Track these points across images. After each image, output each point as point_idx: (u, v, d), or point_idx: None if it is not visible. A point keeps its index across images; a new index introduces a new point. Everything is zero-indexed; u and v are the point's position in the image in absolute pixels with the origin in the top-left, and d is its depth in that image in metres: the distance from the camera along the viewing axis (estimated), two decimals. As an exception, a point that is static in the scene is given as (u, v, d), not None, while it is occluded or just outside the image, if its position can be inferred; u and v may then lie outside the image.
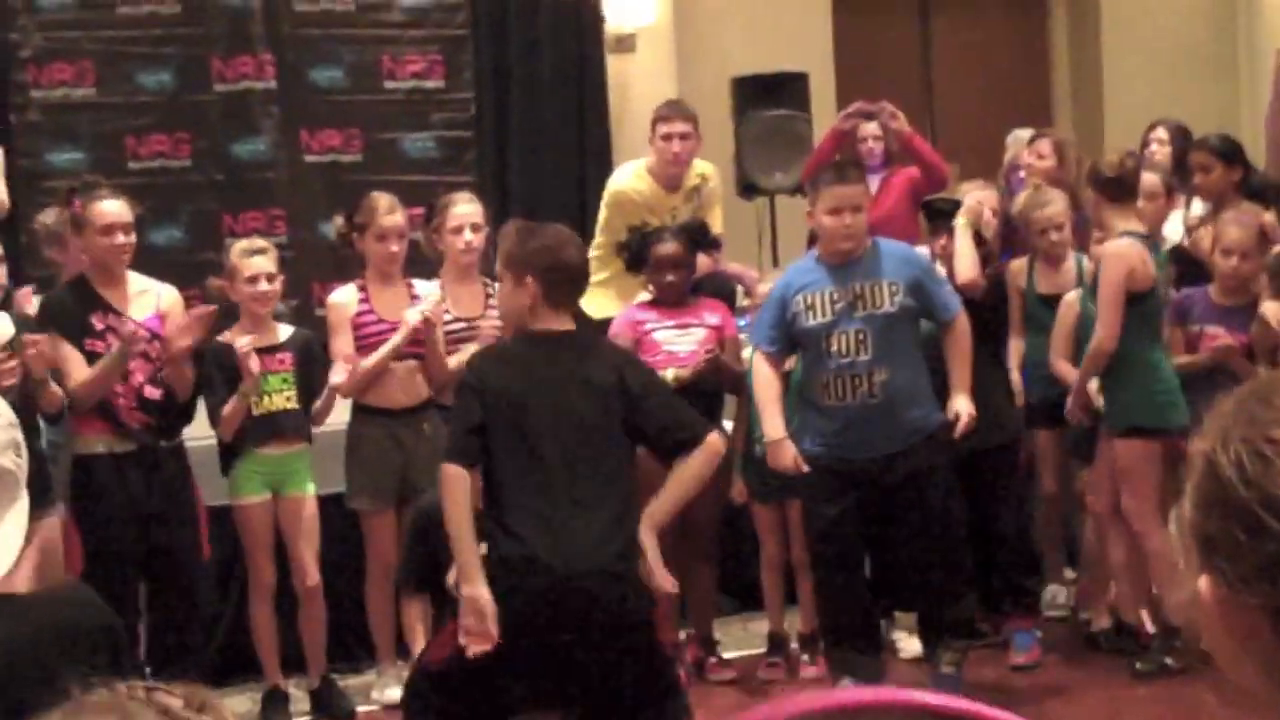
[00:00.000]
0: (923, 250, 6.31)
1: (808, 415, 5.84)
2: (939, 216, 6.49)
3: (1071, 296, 6.46)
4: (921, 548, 5.69)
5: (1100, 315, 6.08)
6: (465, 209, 6.43)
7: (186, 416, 6.10)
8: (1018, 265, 6.72)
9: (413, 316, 6.12)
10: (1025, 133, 8.33)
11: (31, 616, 2.30)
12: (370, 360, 6.14)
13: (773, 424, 5.77)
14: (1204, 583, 1.31)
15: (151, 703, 1.32)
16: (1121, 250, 6.06)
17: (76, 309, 5.86)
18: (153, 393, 5.89)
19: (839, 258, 5.77)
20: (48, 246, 6.69)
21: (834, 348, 5.70)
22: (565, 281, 4.67)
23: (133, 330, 5.63)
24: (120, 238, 5.87)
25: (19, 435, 2.32)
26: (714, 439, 4.69)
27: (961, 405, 5.77)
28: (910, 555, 5.71)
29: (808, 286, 5.78)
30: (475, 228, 6.41)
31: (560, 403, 4.54)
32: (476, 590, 4.42)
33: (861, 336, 5.68)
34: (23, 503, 2.31)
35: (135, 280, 6.01)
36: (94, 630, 2.33)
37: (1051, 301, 6.56)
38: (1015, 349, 6.61)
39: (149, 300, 5.98)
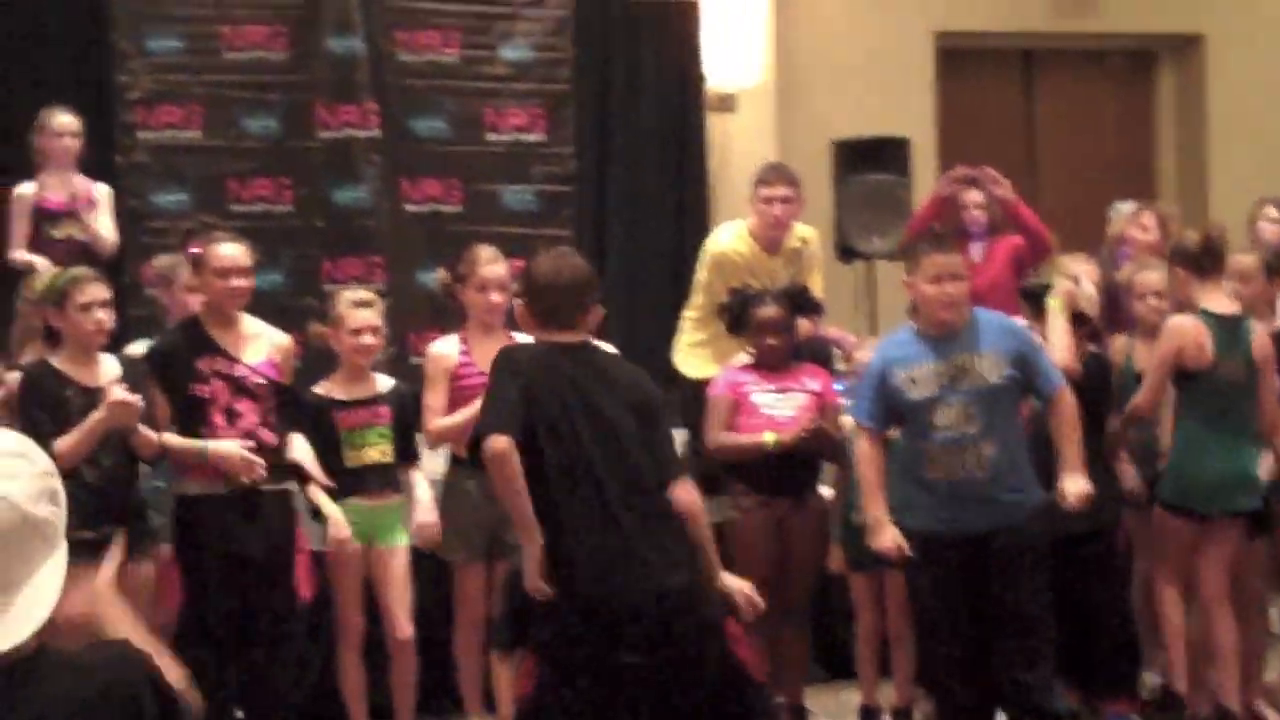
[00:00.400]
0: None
1: (908, 489, 5.65)
2: (1031, 299, 6.40)
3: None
4: (1009, 634, 5.51)
5: (1144, 383, 6.18)
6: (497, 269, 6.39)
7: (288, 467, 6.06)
8: (1120, 343, 6.62)
9: None
10: (1128, 206, 8.24)
11: (64, 678, 2.24)
12: (458, 416, 6.07)
13: (875, 505, 5.63)
14: None
15: None
16: (1179, 325, 6.11)
17: (185, 352, 5.85)
18: (266, 435, 5.86)
19: (939, 329, 5.59)
20: (156, 288, 6.73)
21: (939, 420, 5.55)
22: (554, 302, 4.65)
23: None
24: (236, 281, 5.88)
25: (58, 484, 2.30)
26: (688, 488, 4.62)
27: (1070, 485, 5.59)
28: (998, 643, 5.54)
29: (908, 360, 5.62)
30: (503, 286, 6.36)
31: (592, 403, 4.51)
32: (535, 547, 4.42)
33: (970, 411, 5.53)
34: (61, 554, 2.28)
35: (249, 323, 6.01)
36: (121, 699, 2.26)
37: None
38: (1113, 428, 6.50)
39: (262, 344, 5.98)
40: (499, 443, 4.37)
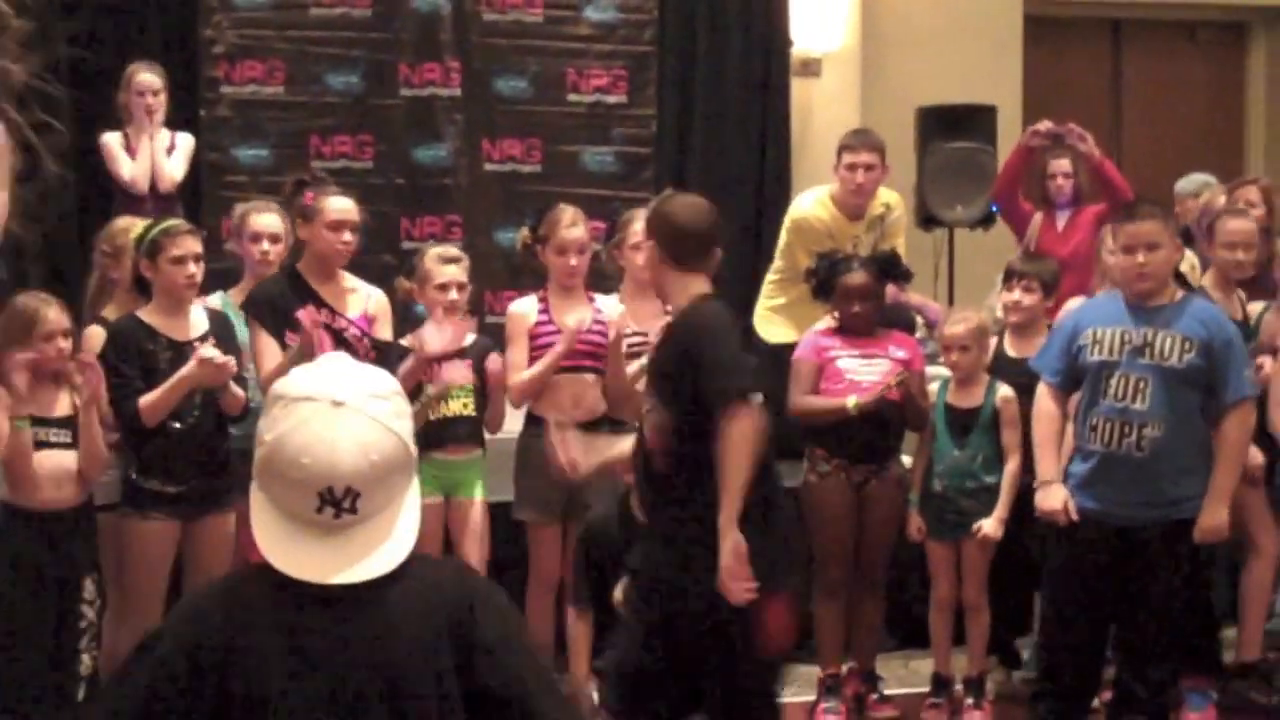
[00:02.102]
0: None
1: (1073, 467, 5.54)
2: None
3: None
4: (1143, 629, 5.45)
5: None
6: None
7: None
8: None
9: (573, 322, 6.07)
10: (1192, 183, 8.06)
11: (421, 589, 2.46)
12: (535, 368, 6.10)
13: (1047, 464, 5.54)
14: None
15: None
16: None
17: (284, 301, 5.86)
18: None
19: (1140, 299, 5.43)
20: (232, 239, 6.77)
21: (1111, 389, 5.39)
22: (692, 245, 4.75)
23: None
24: (347, 235, 5.90)
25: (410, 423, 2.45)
26: None
27: (1205, 517, 5.36)
28: (1127, 634, 5.49)
29: (1101, 321, 5.48)
30: None
31: None
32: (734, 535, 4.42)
33: (1142, 384, 5.35)
34: (417, 484, 2.45)
35: (348, 278, 6.03)
36: (460, 606, 2.47)
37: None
38: None
39: (358, 300, 6.00)
40: (749, 406, 4.46)
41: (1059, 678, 5.58)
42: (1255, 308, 6.45)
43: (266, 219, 6.31)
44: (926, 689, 6.39)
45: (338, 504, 2.32)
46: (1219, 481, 5.38)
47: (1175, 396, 5.34)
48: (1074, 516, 5.43)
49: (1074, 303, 6.17)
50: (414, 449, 2.41)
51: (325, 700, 2.32)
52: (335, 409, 2.32)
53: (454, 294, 6.13)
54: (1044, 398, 5.59)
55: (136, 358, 5.55)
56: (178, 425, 5.55)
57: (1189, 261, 6.08)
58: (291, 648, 2.34)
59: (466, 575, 2.56)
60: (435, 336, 6.03)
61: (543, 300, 6.28)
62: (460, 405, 6.14)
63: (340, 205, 5.91)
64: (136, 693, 2.35)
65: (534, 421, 6.24)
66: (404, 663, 2.35)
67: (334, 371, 2.40)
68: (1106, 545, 5.39)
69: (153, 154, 7.66)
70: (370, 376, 2.41)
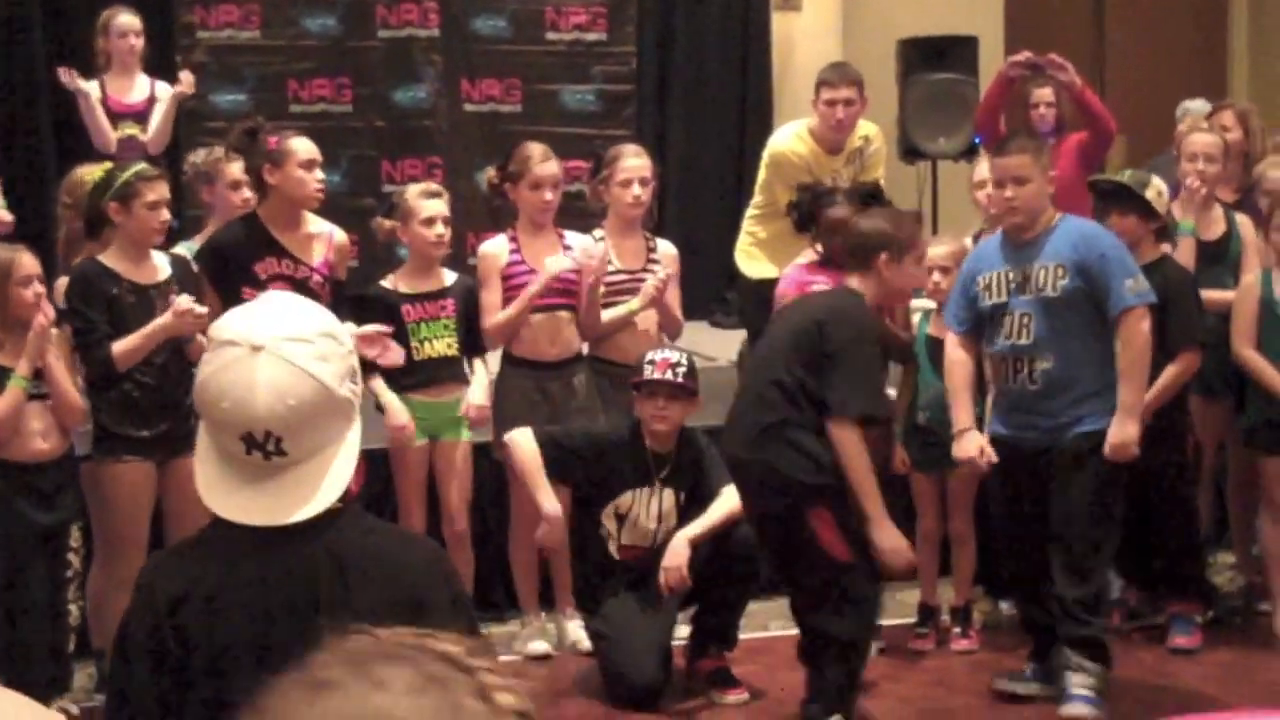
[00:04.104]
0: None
1: (995, 400, 5.70)
2: (1102, 194, 6.27)
3: (1251, 279, 6.24)
4: (1058, 550, 5.41)
5: None
6: (636, 162, 6.35)
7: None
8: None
9: (553, 265, 6.04)
10: (1198, 104, 8.08)
11: (364, 532, 2.47)
12: (509, 310, 6.08)
13: (960, 413, 5.61)
14: None
15: (429, 649, 1.26)
16: None
17: (242, 251, 5.80)
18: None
19: (1013, 233, 5.50)
20: (196, 184, 6.71)
21: (1003, 330, 5.50)
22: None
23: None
24: (319, 174, 5.84)
25: (356, 361, 2.43)
26: None
27: (1115, 431, 5.35)
28: (1052, 557, 5.44)
29: (988, 265, 5.57)
30: (644, 182, 6.33)
31: None
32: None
33: (1026, 319, 5.44)
34: (358, 426, 2.44)
35: (313, 222, 5.95)
36: (424, 554, 2.52)
37: (1214, 246, 6.45)
38: None
39: (321, 244, 5.93)
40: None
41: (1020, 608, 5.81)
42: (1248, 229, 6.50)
43: (308, 144, 5.96)
44: (913, 620, 6.40)
45: (262, 447, 2.32)
46: (1124, 396, 5.36)
47: (1060, 325, 5.39)
48: (992, 459, 5.49)
49: (935, 251, 6.12)
50: (345, 391, 2.38)
51: (268, 646, 2.31)
52: (253, 354, 2.31)
53: (440, 228, 6.10)
54: (953, 347, 5.67)
55: (101, 302, 5.50)
56: (147, 370, 5.51)
57: (1157, 188, 6.06)
58: (237, 593, 2.35)
59: (432, 553, 2.54)
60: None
61: (513, 240, 6.24)
62: (445, 346, 6.11)
63: (307, 144, 5.84)
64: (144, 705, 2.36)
65: (510, 361, 6.23)
66: (355, 619, 2.31)
67: (261, 313, 2.39)
68: (1024, 467, 5.48)
69: (146, 111, 7.57)
70: (296, 318, 2.38)
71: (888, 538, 5.04)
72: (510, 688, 1.25)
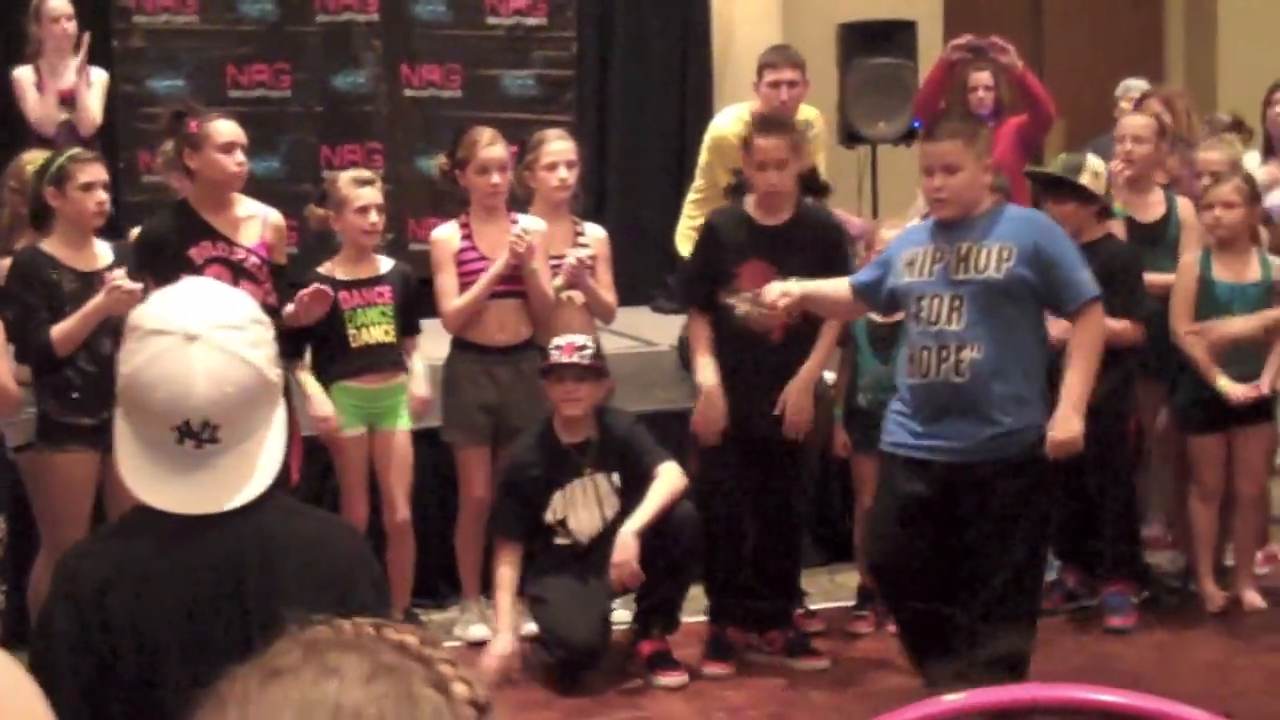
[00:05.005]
0: None
1: (895, 407, 5.16)
2: (1041, 186, 6.31)
3: (1190, 259, 6.31)
4: (975, 584, 5.00)
5: None
6: (560, 146, 6.35)
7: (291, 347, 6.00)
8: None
9: (513, 238, 6.03)
10: (1139, 83, 8.16)
11: (293, 515, 2.49)
12: (472, 291, 6.08)
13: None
14: None
15: (386, 639, 1.28)
16: None
17: (177, 238, 5.77)
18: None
19: (943, 220, 5.08)
20: (169, 172, 6.67)
21: (925, 312, 5.00)
22: None
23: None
24: (240, 155, 5.80)
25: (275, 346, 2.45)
26: None
27: (1057, 428, 4.95)
28: (966, 594, 5.03)
29: (916, 242, 5.15)
30: (569, 165, 6.33)
31: None
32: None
33: (957, 303, 4.95)
34: (283, 408, 2.45)
35: (243, 204, 5.93)
36: (346, 539, 2.55)
37: (1152, 228, 6.53)
38: None
39: (255, 226, 5.90)
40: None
41: (914, 638, 5.23)
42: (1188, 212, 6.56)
43: (229, 126, 5.86)
44: (852, 602, 6.43)
45: (196, 436, 2.32)
46: (1071, 389, 4.98)
47: (994, 313, 4.93)
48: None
49: (887, 232, 6.10)
50: (274, 375, 2.40)
51: (195, 631, 2.31)
52: (188, 342, 2.30)
53: (374, 216, 6.08)
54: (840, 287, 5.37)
55: (41, 289, 5.46)
56: (90, 357, 5.48)
57: (1093, 169, 6.11)
58: (165, 578, 2.33)
59: (354, 537, 2.57)
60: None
61: (464, 225, 6.24)
62: (382, 332, 6.10)
63: (228, 127, 5.81)
64: (66, 697, 2.29)
65: (460, 346, 6.23)
66: (283, 605, 2.28)
67: (189, 301, 2.37)
68: (934, 485, 5.00)
69: (77, 90, 7.51)
70: (226, 305, 2.38)
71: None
72: (466, 678, 1.27)
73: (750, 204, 5.81)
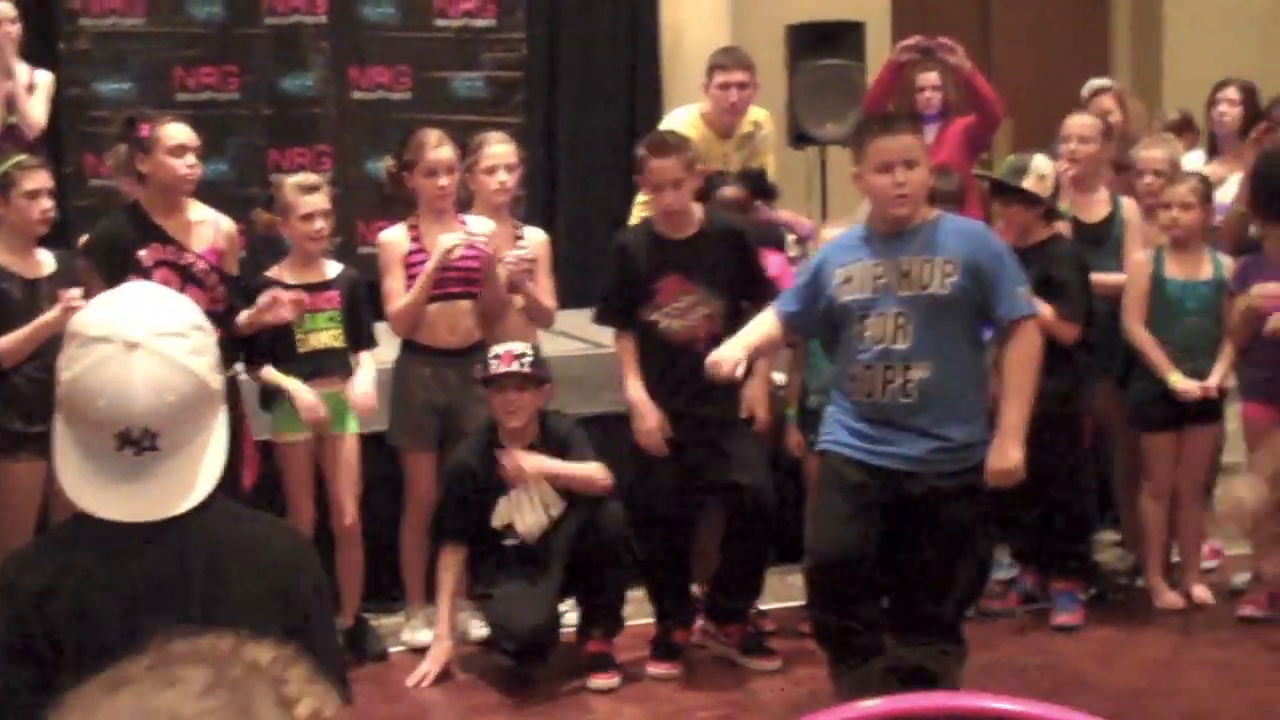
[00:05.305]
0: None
1: (835, 411, 5.01)
2: (998, 192, 6.34)
3: (1143, 257, 6.35)
4: (919, 587, 4.96)
5: None
6: (501, 149, 6.34)
7: (239, 351, 5.99)
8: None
9: (446, 240, 6.02)
10: (1104, 82, 8.20)
11: (236, 523, 2.47)
12: (411, 293, 6.06)
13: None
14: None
15: (240, 656, 1.28)
16: None
17: (127, 242, 5.75)
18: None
19: (892, 225, 4.87)
20: (121, 176, 6.63)
21: (869, 330, 4.85)
22: None
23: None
24: (190, 159, 5.78)
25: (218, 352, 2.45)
26: None
27: (994, 457, 4.81)
28: (906, 590, 5.02)
29: (850, 257, 4.92)
30: (510, 168, 6.33)
31: None
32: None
33: (903, 320, 4.81)
34: (224, 414, 2.44)
35: (195, 209, 5.91)
36: (288, 545, 2.52)
37: (1096, 228, 6.55)
38: None
39: (207, 230, 5.89)
40: None
41: (839, 652, 5.09)
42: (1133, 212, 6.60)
43: (181, 130, 5.87)
44: (803, 602, 6.43)
45: (137, 443, 2.30)
46: (1008, 415, 4.83)
47: (941, 329, 4.79)
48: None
49: (828, 232, 6.07)
50: (216, 382, 2.39)
51: (139, 638, 2.30)
52: (129, 350, 2.28)
53: (319, 223, 6.06)
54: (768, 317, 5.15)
55: None
56: (37, 366, 5.45)
57: (1038, 171, 6.14)
58: (108, 586, 2.32)
59: (297, 540, 2.56)
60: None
61: (413, 228, 6.22)
62: (330, 337, 6.08)
63: (179, 130, 5.79)
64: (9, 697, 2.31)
65: (409, 348, 6.21)
66: (228, 610, 2.30)
67: (130, 308, 2.35)
68: (880, 495, 4.88)
69: (15, 94, 7.46)
70: (168, 312, 2.36)
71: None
72: (313, 696, 1.28)
73: (657, 221, 5.83)
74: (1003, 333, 4.90)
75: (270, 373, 5.94)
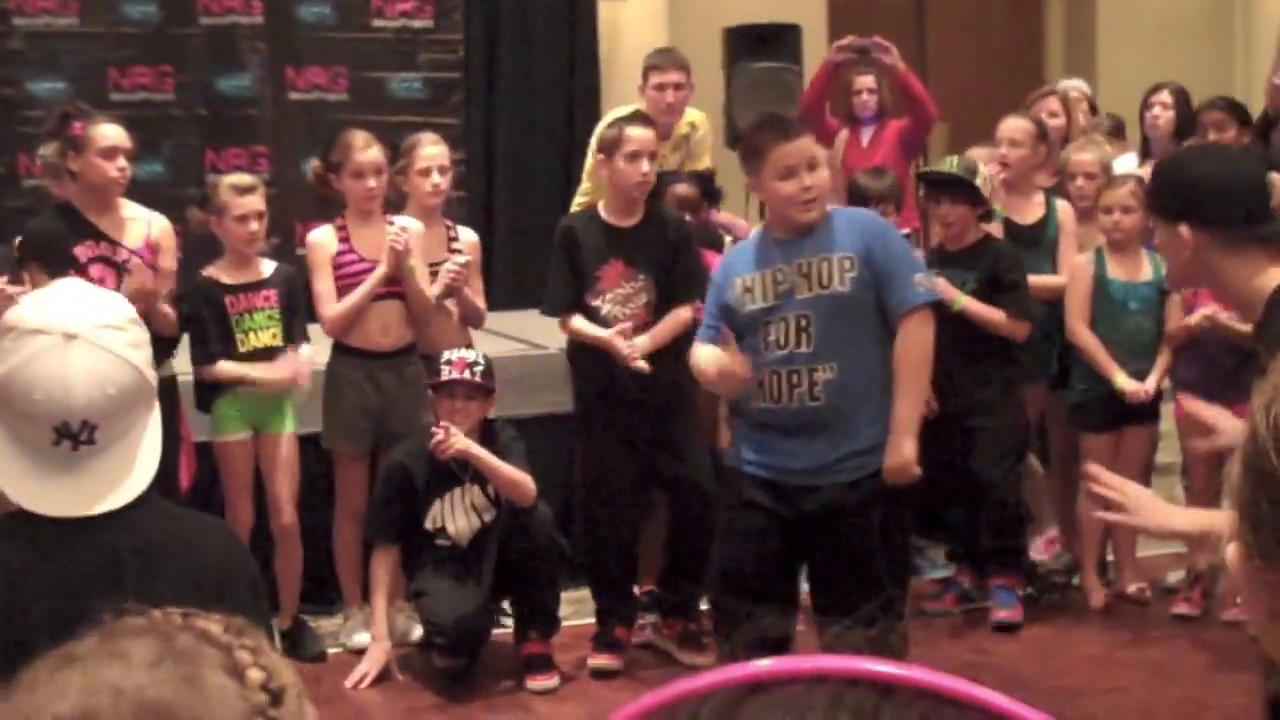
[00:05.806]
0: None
1: (739, 424, 4.95)
2: (935, 187, 6.38)
3: (1084, 259, 6.41)
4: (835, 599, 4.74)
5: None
6: (434, 150, 6.33)
7: (170, 349, 5.96)
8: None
9: (393, 234, 6.01)
10: (1073, 82, 8.25)
11: (166, 518, 2.47)
12: (353, 297, 6.04)
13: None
14: (1232, 550, 1.25)
15: (189, 627, 1.28)
16: None
17: (61, 239, 5.71)
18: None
19: (794, 230, 4.73)
20: (49, 178, 6.57)
21: (771, 338, 4.71)
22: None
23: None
24: (122, 161, 5.75)
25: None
26: None
27: (890, 455, 4.67)
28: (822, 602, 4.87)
29: (746, 268, 4.81)
30: (443, 170, 6.31)
31: None
32: None
33: (804, 323, 4.68)
34: (157, 410, 2.43)
35: (128, 207, 5.89)
36: (223, 542, 2.53)
37: (1030, 230, 6.60)
38: None
39: (139, 229, 5.87)
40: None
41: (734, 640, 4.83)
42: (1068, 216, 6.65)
43: (114, 131, 5.82)
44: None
45: (74, 437, 2.29)
46: (900, 411, 4.70)
47: (844, 329, 4.68)
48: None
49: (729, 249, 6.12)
50: (153, 377, 2.38)
51: (72, 633, 2.28)
52: (68, 342, 2.27)
53: (254, 225, 6.03)
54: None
55: None
56: None
57: (982, 175, 6.19)
58: (40, 581, 2.31)
59: (231, 539, 2.56)
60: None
61: (341, 229, 6.20)
62: (269, 336, 6.06)
63: (112, 132, 5.76)
64: None
65: (342, 351, 6.19)
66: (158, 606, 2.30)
67: (67, 301, 2.34)
68: (783, 505, 4.79)
69: None
70: (105, 305, 2.36)
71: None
72: (265, 665, 1.27)
73: (602, 207, 5.88)
74: (895, 323, 4.72)
75: (226, 366, 5.93)
